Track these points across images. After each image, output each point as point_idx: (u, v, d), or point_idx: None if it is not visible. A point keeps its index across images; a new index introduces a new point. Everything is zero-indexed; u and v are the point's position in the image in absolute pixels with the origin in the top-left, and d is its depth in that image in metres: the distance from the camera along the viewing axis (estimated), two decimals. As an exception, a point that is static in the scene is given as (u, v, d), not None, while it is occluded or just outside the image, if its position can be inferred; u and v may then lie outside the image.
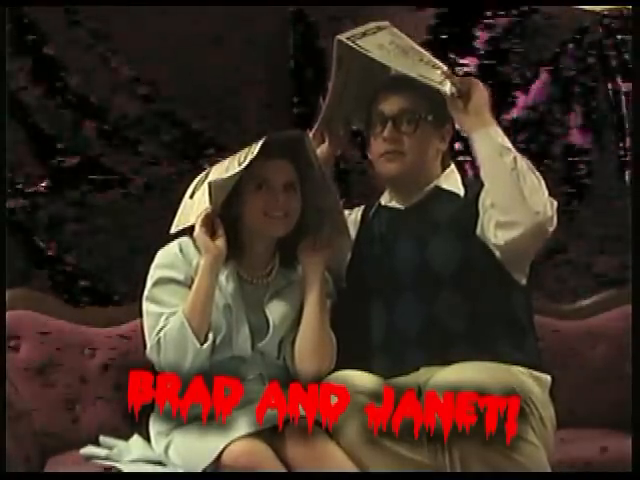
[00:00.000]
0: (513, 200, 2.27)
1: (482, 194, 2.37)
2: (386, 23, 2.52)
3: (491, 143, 2.32)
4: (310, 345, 2.39)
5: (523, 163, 2.30)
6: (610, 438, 2.84)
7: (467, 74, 3.10)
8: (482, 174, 2.34)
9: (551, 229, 2.31)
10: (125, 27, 3.18)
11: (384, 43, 2.43)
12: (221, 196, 2.34)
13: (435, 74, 2.39)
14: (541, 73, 3.43)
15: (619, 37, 3.42)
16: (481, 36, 3.40)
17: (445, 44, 3.33)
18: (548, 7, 3.41)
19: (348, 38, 2.42)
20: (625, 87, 3.42)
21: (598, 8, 3.44)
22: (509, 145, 2.33)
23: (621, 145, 3.44)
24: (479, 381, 2.16)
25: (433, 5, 3.37)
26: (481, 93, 2.37)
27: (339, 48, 2.47)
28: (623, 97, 3.43)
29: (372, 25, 2.48)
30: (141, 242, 3.06)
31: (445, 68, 2.41)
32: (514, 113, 3.40)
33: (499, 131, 2.35)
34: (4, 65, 2.95)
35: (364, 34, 2.43)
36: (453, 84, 2.36)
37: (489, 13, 3.39)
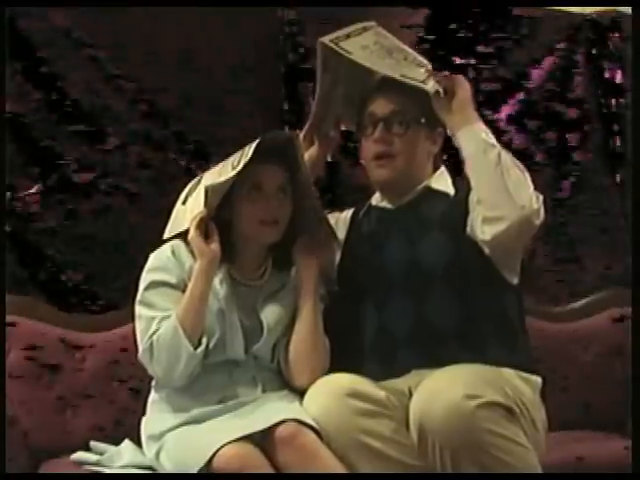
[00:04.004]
0: (498, 195, 2.27)
1: (471, 193, 2.37)
2: (372, 23, 2.52)
3: (475, 140, 2.32)
4: (304, 348, 2.38)
5: (507, 158, 2.31)
6: (602, 440, 2.85)
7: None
8: (467, 171, 2.34)
9: (538, 222, 2.30)
10: (116, 31, 3.18)
11: (368, 44, 2.43)
12: (215, 200, 2.34)
13: (419, 73, 2.39)
14: (530, 74, 3.44)
15: (608, 38, 3.44)
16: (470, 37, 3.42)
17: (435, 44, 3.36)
18: (539, 10, 3.43)
19: (331, 40, 2.42)
20: (615, 86, 3.44)
21: (588, 10, 3.46)
22: (493, 141, 2.33)
23: (611, 146, 3.45)
24: (469, 384, 2.16)
25: (425, 5, 3.38)
26: (465, 90, 2.37)
27: (323, 50, 2.47)
28: (613, 98, 3.44)
29: (358, 26, 2.48)
30: (133, 247, 3.05)
31: (430, 66, 2.41)
32: (504, 114, 3.41)
33: (483, 127, 2.36)
34: (4, 65, 2.94)
35: (348, 36, 2.44)
36: (437, 82, 2.36)
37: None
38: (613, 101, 3.43)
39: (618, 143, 3.44)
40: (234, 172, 2.28)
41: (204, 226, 2.34)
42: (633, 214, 2.64)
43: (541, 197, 2.31)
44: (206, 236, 2.33)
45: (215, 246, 2.33)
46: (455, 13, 3.42)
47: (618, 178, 3.42)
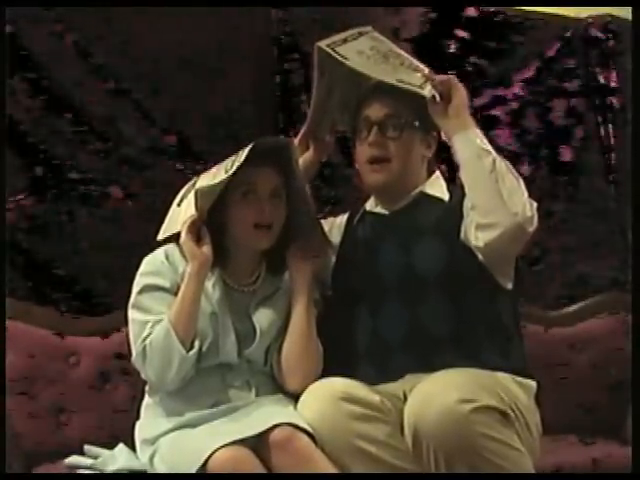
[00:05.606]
0: (492, 202, 2.27)
1: (465, 198, 2.37)
2: (368, 28, 2.52)
3: (470, 146, 2.33)
4: (297, 352, 2.38)
5: (502, 165, 2.31)
6: (596, 444, 2.85)
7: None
8: (462, 176, 2.35)
9: (531, 229, 2.30)
10: (110, 36, 3.18)
11: (364, 49, 2.43)
12: (207, 203, 2.34)
13: (415, 77, 2.39)
14: (524, 78, 3.45)
15: (602, 43, 3.45)
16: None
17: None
18: (533, 13, 3.43)
19: (328, 45, 2.42)
20: (609, 89, 3.45)
21: (583, 14, 3.46)
22: (488, 147, 2.33)
23: (605, 152, 3.46)
24: (464, 388, 2.16)
25: (420, 5, 3.38)
26: (461, 95, 2.37)
27: (320, 55, 2.47)
28: (607, 100, 3.45)
29: (354, 31, 2.48)
30: (126, 251, 3.05)
31: (426, 71, 2.41)
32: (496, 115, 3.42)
33: (478, 133, 2.36)
34: (4, 66, 2.93)
35: (345, 40, 2.44)
36: (433, 86, 2.36)
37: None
38: (608, 103, 3.43)
39: (612, 144, 3.45)
40: (226, 175, 2.28)
41: (196, 229, 2.34)
42: (633, 217, 2.64)
43: (535, 204, 2.31)
44: (198, 239, 2.34)
45: (207, 249, 2.33)
46: (448, 15, 3.43)
47: (612, 178, 3.43)
